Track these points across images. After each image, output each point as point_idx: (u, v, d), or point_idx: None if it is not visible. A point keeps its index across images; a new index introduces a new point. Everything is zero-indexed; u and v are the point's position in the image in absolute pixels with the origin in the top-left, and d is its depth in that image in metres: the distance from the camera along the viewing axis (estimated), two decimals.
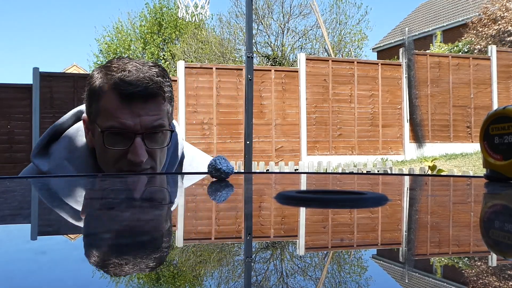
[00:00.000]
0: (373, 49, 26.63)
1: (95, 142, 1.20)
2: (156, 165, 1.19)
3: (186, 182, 1.09)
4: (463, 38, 18.48)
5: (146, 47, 23.72)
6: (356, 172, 8.41)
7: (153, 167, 1.19)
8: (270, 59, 18.55)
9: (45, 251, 0.41)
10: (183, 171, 1.34)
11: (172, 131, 1.22)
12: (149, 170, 1.18)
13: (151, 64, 1.19)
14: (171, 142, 1.25)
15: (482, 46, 16.74)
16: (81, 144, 1.24)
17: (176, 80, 10.25)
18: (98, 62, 24.68)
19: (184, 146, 1.35)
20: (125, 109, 1.13)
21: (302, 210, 0.62)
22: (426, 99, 11.63)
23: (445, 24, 23.02)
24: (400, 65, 11.60)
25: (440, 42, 21.54)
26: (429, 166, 5.95)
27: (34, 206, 0.72)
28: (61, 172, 1.19)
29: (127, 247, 0.41)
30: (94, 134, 1.19)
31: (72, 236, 0.48)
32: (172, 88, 1.22)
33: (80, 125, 1.28)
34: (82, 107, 1.28)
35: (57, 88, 10.03)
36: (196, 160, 1.37)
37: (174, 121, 1.31)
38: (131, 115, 1.14)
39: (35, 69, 10.09)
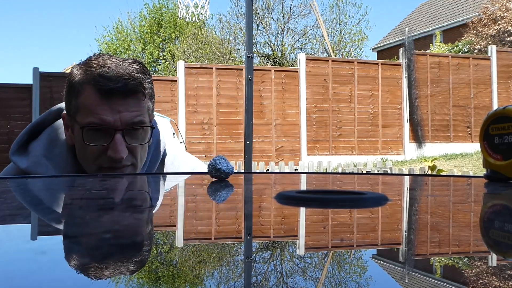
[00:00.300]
0: (373, 49, 26.63)
1: (75, 139, 1.19)
2: (137, 162, 1.18)
3: (186, 182, 1.09)
4: (463, 38, 18.48)
5: (146, 47, 23.72)
6: (356, 172, 8.41)
7: (134, 164, 1.18)
8: (270, 59, 18.56)
9: (45, 251, 0.41)
10: (165, 169, 1.33)
11: (153, 127, 1.21)
12: (129, 167, 1.17)
13: (131, 60, 1.18)
14: (153, 139, 1.24)
15: (482, 46, 16.74)
16: (61, 142, 1.23)
17: (176, 80, 10.24)
18: None
19: (166, 144, 1.34)
20: (105, 105, 1.13)
21: (302, 210, 0.62)
22: (426, 99, 11.63)
23: (445, 24, 23.02)
24: (400, 65, 11.60)
25: (440, 42, 21.54)
26: (429, 166, 5.95)
27: (32, 206, 0.72)
28: (39, 169, 1.18)
29: (127, 247, 0.41)
30: (74, 131, 1.18)
31: (72, 236, 0.48)
32: (152, 85, 1.21)
33: (60, 122, 1.26)
34: (62, 105, 1.26)
35: (57, 88, 10.02)
36: (178, 159, 1.36)
37: (156, 118, 1.30)
38: (111, 111, 1.13)
39: (35, 69, 10.09)
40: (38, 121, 1.27)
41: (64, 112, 1.22)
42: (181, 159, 1.37)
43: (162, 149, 1.31)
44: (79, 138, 1.15)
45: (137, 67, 1.17)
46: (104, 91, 1.12)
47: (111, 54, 1.21)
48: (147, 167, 1.26)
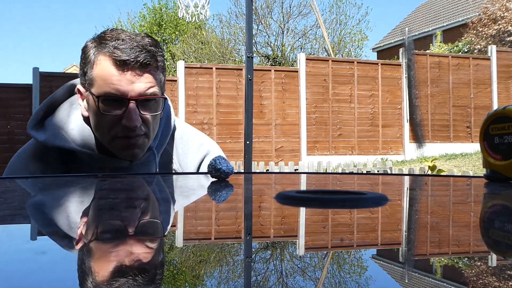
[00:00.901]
0: (373, 49, 26.62)
1: (90, 110, 1.23)
2: (149, 132, 1.23)
3: (186, 181, 1.09)
4: (463, 38, 18.47)
5: None
6: (356, 172, 8.41)
7: (147, 134, 1.22)
8: (270, 59, 18.55)
9: (45, 251, 0.41)
10: (175, 143, 1.38)
11: (165, 98, 1.26)
12: (142, 136, 1.21)
13: (143, 34, 1.24)
14: (164, 113, 1.30)
15: (482, 46, 16.74)
16: (76, 117, 1.28)
17: (176, 80, 10.24)
18: None
19: (176, 120, 1.39)
20: (120, 76, 1.17)
21: (302, 210, 0.62)
22: (426, 99, 11.62)
23: (445, 24, 23.02)
24: (400, 65, 11.59)
25: (440, 42, 21.53)
26: (429, 166, 5.94)
27: (36, 205, 0.72)
28: (57, 141, 1.23)
29: (127, 247, 0.41)
30: (89, 103, 1.22)
31: (72, 236, 0.48)
32: (164, 58, 1.26)
33: (73, 99, 1.31)
34: (75, 81, 1.32)
35: (57, 88, 9.99)
36: (187, 133, 1.41)
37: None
38: (125, 82, 1.17)
39: (35, 69, 10.09)
40: (52, 98, 1.32)
41: (79, 85, 1.26)
42: (189, 133, 1.42)
43: (172, 123, 1.35)
44: (95, 108, 1.20)
45: (149, 40, 1.22)
46: (119, 62, 1.16)
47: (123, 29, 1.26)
48: (158, 140, 1.30)
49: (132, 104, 1.17)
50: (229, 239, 0.48)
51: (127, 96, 1.17)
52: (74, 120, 1.27)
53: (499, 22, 17.21)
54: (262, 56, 18.84)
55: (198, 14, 10.68)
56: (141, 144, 1.22)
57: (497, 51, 12.39)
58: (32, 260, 0.37)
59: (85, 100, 1.24)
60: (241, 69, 10.51)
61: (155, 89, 1.20)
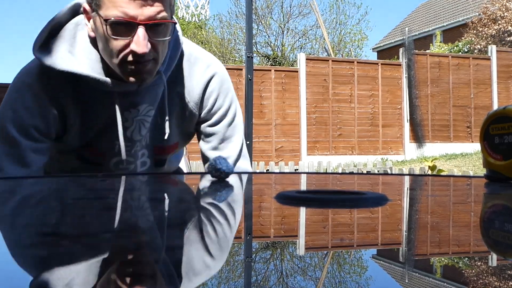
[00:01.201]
0: (373, 49, 26.63)
1: (97, 32, 1.19)
2: (158, 57, 1.20)
3: (186, 181, 1.10)
4: (463, 38, 18.48)
5: None
6: (356, 172, 8.41)
7: (156, 58, 1.19)
8: (270, 59, 18.57)
9: (45, 251, 0.41)
10: (182, 66, 1.35)
11: (175, 23, 1.22)
12: (151, 61, 1.19)
13: None
14: (172, 36, 1.25)
15: (482, 46, 16.74)
16: (83, 38, 1.25)
17: None
18: None
19: (184, 41, 1.36)
20: None
21: (302, 210, 0.62)
22: (426, 99, 11.62)
23: (445, 24, 23.02)
24: (400, 65, 11.60)
25: (440, 42, 21.53)
26: (429, 166, 5.94)
27: (39, 204, 0.72)
28: (65, 65, 1.19)
29: (126, 247, 0.41)
30: (96, 24, 1.19)
31: (72, 236, 0.48)
32: None
33: (78, 19, 1.27)
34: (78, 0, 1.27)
35: None
36: (194, 55, 1.38)
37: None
38: (134, 6, 1.13)
39: None
40: (55, 19, 1.26)
41: (85, 4, 1.22)
42: (196, 55, 1.39)
43: (181, 46, 1.32)
44: (102, 31, 1.16)
45: None
46: None
47: None
48: (166, 63, 1.27)
49: (141, 29, 1.13)
50: (229, 239, 0.48)
51: (136, 20, 1.13)
52: (80, 42, 1.24)
53: (499, 22, 17.22)
54: (262, 56, 18.85)
55: (198, 14, 10.67)
56: (149, 69, 1.19)
57: (497, 51, 12.39)
58: (32, 260, 0.37)
59: (91, 20, 1.20)
60: (241, 69, 10.50)
61: (164, 14, 1.16)
